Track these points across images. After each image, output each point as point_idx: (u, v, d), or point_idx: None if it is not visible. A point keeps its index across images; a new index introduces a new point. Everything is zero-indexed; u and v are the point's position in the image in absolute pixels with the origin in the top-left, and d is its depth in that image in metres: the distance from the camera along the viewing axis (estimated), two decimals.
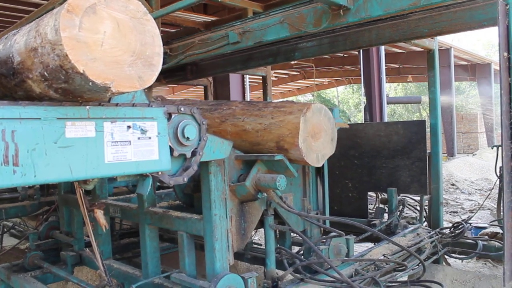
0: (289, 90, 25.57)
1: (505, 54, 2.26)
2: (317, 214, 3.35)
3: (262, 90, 7.28)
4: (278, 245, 3.28)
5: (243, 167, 2.86)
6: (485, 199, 7.09)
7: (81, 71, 1.52)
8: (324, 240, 3.25)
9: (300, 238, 3.13)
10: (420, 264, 3.79)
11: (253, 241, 4.04)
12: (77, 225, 3.95)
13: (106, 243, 3.70)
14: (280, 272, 3.00)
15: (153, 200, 3.19)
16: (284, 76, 20.67)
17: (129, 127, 1.90)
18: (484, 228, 5.67)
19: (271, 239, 2.98)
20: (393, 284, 3.51)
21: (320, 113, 2.84)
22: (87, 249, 3.55)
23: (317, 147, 2.81)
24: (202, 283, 2.61)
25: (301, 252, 3.49)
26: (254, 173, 2.76)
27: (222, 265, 2.63)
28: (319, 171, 3.38)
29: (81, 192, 2.82)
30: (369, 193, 5.19)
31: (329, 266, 2.96)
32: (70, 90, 1.68)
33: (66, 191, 4.06)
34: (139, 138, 1.93)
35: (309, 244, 2.99)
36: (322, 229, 3.37)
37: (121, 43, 1.65)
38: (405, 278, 4.09)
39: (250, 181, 2.72)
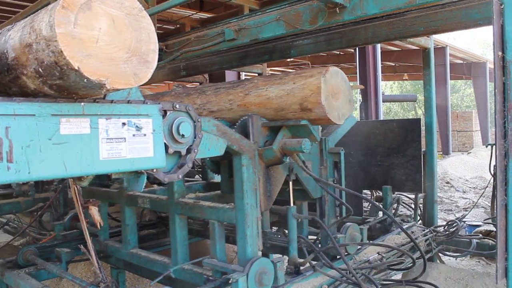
0: None
1: (500, 53, 2.27)
2: (333, 181, 3.56)
3: None
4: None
5: (268, 133, 3.11)
6: (479, 197, 7.13)
7: (76, 68, 1.52)
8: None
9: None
10: (417, 261, 3.82)
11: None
12: (102, 216, 4.06)
13: (132, 233, 3.85)
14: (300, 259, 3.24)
15: (183, 191, 3.38)
16: (280, 73, 20.67)
17: (124, 124, 1.90)
18: (478, 226, 5.70)
19: (293, 228, 3.21)
20: (388, 282, 3.52)
21: (337, 75, 3.03)
22: (81, 245, 3.53)
23: (337, 106, 3.01)
24: (235, 267, 2.81)
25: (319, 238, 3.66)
26: (280, 138, 3.00)
27: (253, 250, 2.83)
28: (336, 164, 3.65)
29: (75, 189, 2.82)
30: (364, 190, 5.20)
31: (346, 253, 3.32)
32: (65, 86, 1.68)
33: (90, 183, 4.10)
34: (134, 135, 1.93)
35: (328, 233, 3.19)
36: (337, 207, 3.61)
37: (117, 40, 1.65)
38: (399, 276, 4.11)
39: (277, 145, 2.96)
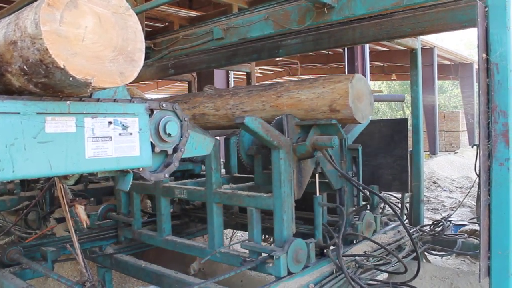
0: None
1: (484, 55, 2.30)
2: (352, 174, 3.96)
3: None
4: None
5: (300, 131, 3.48)
6: (465, 197, 7.20)
7: (62, 66, 1.51)
8: (358, 216, 3.97)
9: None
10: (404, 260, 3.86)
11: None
12: (136, 207, 4.40)
13: (166, 221, 4.13)
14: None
15: (220, 182, 3.71)
16: (269, 72, 20.66)
17: (110, 122, 1.89)
18: (464, 225, 5.77)
19: (319, 215, 3.58)
20: (374, 283, 3.54)
21: (361, 81, 3.42)
22: (67, 244, 3.51)
23: (361, 108, 3.39)
24: (272, 247, 3.22)
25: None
26: (312, 135, 3.35)
27: (288, 232, 3.22)
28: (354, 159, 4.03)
29: (62, 187, 2.80)
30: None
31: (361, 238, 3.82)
32: (51, 84, 1.66)
33: None
34: (120, 134, 1.92)
35: (343, 221, 3.59)
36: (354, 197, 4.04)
37: (103, 38, 1.64)
38: (385, 275, 4.14)
39: (309, 141, 3.32)
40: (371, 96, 3.57)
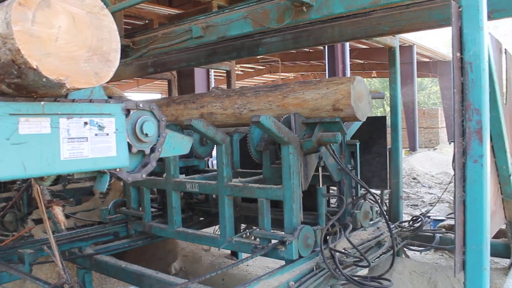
0: (255, 84, 25.55)
1: (458, 54, 2.33)
2: (351, 169, 4.19)
3: (226, 85, 7.25)
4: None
5: (306, 128, 3.75)
6: (443, 192, 7.32)
7: (34, 67, 1.49)
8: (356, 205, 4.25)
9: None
10: (381, 256, 3.94)
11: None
12: (146, 201, 4.61)
13: (177, 214, 4.37)
14: None
15: (230, 176, 3.96)
16: (250, 70, 20.69)
17: (86, 123, 1.87)
18: (442, 220, 5.86)
19: (322, 205, 3.87)
20: (355, 278, 3.59)
21: (361, 82, 3.70)
22: (45, 246, 3.46)
23: (361, 107, 3.67)
24: (283, 234, 3.50)
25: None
26: (317, 132, 3.63)
27: (297, 220, 3.50)
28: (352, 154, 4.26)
29: (38, 189, 2.76)
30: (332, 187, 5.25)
31: (360, 226, 4.15)
32: (24, 85, 1.64)
33: None
34: (96, 135, 1.90)
35: (341, 209, 3.90)
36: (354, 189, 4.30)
37: (77, 38, 1.62)
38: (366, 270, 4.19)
39: (315, 137, 3.58)
40: (369, 96, 3.83)
